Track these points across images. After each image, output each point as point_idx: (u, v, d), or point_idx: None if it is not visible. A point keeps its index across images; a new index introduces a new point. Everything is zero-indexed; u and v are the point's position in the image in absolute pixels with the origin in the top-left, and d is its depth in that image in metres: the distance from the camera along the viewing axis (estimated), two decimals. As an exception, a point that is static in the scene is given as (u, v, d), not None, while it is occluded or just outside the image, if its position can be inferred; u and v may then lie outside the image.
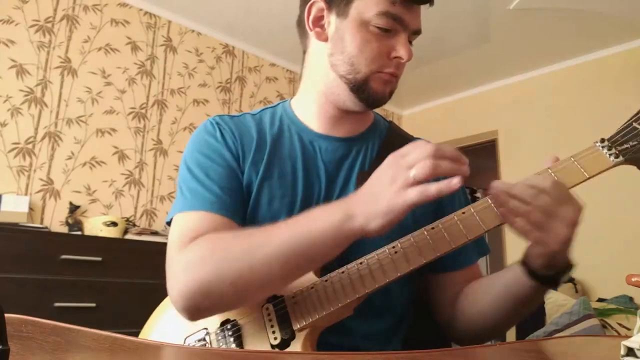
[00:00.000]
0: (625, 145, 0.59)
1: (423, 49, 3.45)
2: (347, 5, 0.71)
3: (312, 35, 0.76)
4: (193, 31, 3.17)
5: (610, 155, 0.59)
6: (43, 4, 2.52)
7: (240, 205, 0.72)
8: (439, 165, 0.53)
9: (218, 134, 0.76)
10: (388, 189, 0.55)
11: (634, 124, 0.60)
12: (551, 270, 0.61)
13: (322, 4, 0.74)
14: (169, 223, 0.74)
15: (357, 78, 0.72)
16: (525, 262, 0.63)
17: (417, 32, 0.73)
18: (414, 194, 0.53)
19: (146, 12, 2.96)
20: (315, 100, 0.79)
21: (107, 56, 2.75)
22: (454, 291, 0.76)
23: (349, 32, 0.71)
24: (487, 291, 0.71)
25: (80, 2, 2.67)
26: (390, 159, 0.58)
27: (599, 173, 0.59)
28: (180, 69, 3.08)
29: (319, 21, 0.75)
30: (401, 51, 0.70)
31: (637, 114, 0.60)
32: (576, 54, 3.47)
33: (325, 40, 0.75)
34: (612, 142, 0.60)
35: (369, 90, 0.72)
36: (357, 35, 0.71)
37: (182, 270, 0.61)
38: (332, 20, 0.74)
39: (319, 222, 0.58)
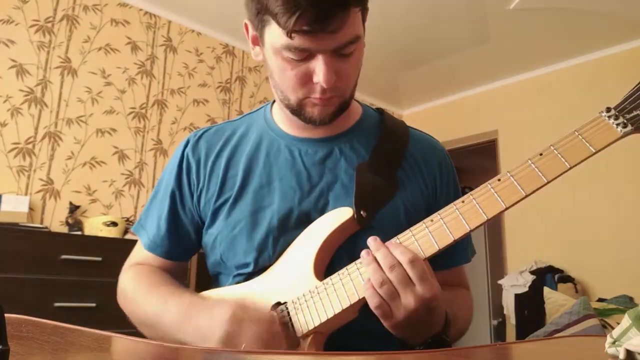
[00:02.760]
0: (635, 113, 0.54)
1: (423, 48, 3.46)
2: (261, 32, 0.67)
3: (252, 55, 0.75)
4: (193, 31, 3.17)
5: (617, 125, 0.54)
6: (43, 4, 2.52)
7: (177, 241, 0.81)
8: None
9: (184, 163, 0.81)
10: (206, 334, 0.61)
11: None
12: (417, 339, 0.62)
13: (251, 26, 0.71)
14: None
15: (290, 104, 0.70)
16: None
17: (345, 46, 0.63)
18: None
19: (146, 12, 2.96)
20: (284, 112, 0.77)
21: (107, 56, 2.75)
22: None
23: (269, 59, 0.68)
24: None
25: (80, 2, 2.67)
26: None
27: (607, 146, 0.54)
28: (180, 69, 3.08)
29: (256, 41, 0.72)
30: (319, 76, 0.63)
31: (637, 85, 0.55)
32: (575, 54, 3.47)
33: (263, 61, 0.73)
34: (620, 111, 0.55)
35: (306, 114, 0.70)
36: (274, 64, 0.67)
37: (119, 285, 0.83)
38: (259, 45, 0.71)
39: (183, 329, 0.64)
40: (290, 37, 0.60)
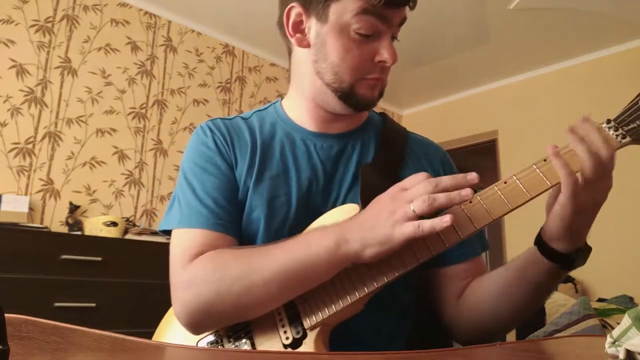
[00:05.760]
0: (632, 125, 0.58)
1: (423, 49, 3.46)
2: (325, 8, 0.68)
3: (293, 41, 0.75)
4: (193, 31, 3.17)
5: (617, 136, 0.58)
6: (43, 4, 2.52)
7: (236, 217, 0.72)
8: (436, 200, 0.56)
9: (211, 143, 0.76)
10: (387, 220, 0.57)
11: None
12: (570, 246, 0.62)
13: (300, 9, 0.71)
14: (164, 231, 0.75)
15: (342, 87, 0.71)
16: (540, 242, 0.63)
17: (402, 23, 0.72)
18: (410, 229, 0.56)
19: (146, 12, 2.96)
20: (305, 105, 0.78)
21: (107, 56, 2.75)
22: (459, 286, 0.75)
23: (330, 38, 0.69)
24: (496, 280, 0.70)
25: (80, 2, 2.67)
26: (392, 191, 0.60)
27: None
28: (180, 69, 3.08)
29: (298, 26, 0.73)
30: (385, 55, 0.69)
31: None
32: (576, 54, 3.47)
33: (308, 46, 0.73)
34: (619, 123, 0.59)
35: (356, 97, 0.72)
36: (338, 43, 0.68)
37: (184, 288, 0.64)
38: (312, 25, 0.71)
39: (314, 246, 0.60)
40: (373, 4, 0.65)
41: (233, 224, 0.72)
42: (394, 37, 0.72)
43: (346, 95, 0.72)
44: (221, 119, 0.81)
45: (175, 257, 0.69)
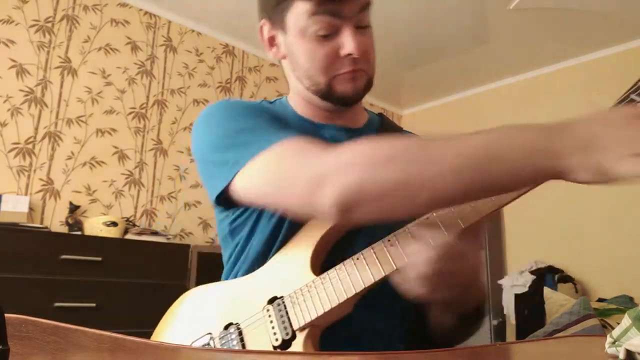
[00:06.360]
0: None
1: (423, 49, 3.46)
2: (283, 19, 0.70)
3: (271, 55, 0.77)
4: (193, 31, 3.17)
5: None
6: (43, 4, 2.52)
7: None
8: None
9: (250, 101, 0.77)
10: (620, 146, 0.44)
11: (632, 95, 0.53)
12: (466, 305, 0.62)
13: (268, 24, 0.73)
14: (218, 199, 0.66)
15: (320, 88, 0.72)
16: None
17: (366, 6, 0.68)
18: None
19: (146, 12, 2.96)
20: (303, 103, 0.80)
21: (107, 56, 2.75)
22: None
23: (295, 46, 0.70)
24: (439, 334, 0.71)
25: (80, 2, 2.67)
26: (628, 113, 0.46)
27: None
28: (180, 69, 3.08)
29: (272, 41, 0.75)
30: (348, 47, 0.67)
31: (634, 85, 0.53)
32: (576, 54, 3.47)
33: (284, 57, 0.75)
34: None
35: (336, 95, 0.72)
36: (303, 48, 0.69)
37: (337, 167, 0.52)
38: (280, 38, 0.73)
39: (517, 145, 0.47)
40: (316, 4, 0.64)
41: None
42: (362, 26, 0.69)
43: (326, 95, 0.72)
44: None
45: (286, 159, 0.58)
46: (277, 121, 0.70)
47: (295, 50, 0.71)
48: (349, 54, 0.68)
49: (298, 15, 0.67)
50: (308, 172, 0.54)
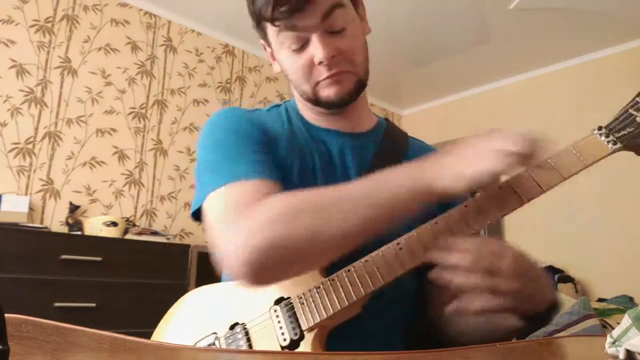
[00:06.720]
0: (623, 132, 0.60)
1: (423, 49, 3.46)
2: (267, 40, 0.75)
3: (276, 69, 0.81)
4: (193, 31, 3.17)
5: (608, 142, 0.60)
6: (43, 4, 2.52)
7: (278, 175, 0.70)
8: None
9: (245, 115, 0.78)
10: (481, 151, 0.56)
11: (630, 110, 0.61)
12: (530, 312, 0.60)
13: (265, 43, 0.79)
14: (195, 214, 0.71)
15: (308, 96, 0.75)
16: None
17: (330, 12, 0.68)
18: (500, 162, 0.53)
19: (146, 12, 2.96)
20: (306, 110, 0.82)
21: (107, 56, 2.75)
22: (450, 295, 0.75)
23: (280, 60, 0.75)
24: (472, 332, 0.70)
25: (80, 2, 2.67)
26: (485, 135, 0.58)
27: (598, 160, 0.60)
28: (180, 69, 3.08)
29: (272, 56, 0.80)
30: (317, 55, 0.69)
31: (632, 100, 0.61)
32: (576, 54, 3.47)
33: (282, 71, 0.79)
34: (610, 130, 0.60)
35: (322, 100, 0.75)
36: (285, 62, 0.74)
37: (251, 231, 0.57)
38: (274, 53, 0.77)
39: (395, 176, 0.59)
40: (276, 24, 0.68)
41: (279, 178, 0.69)
42: (335, 31, 0.70)
43: (315, 101, 0.76)
44: (243, 109, 0.83)
45: (220, 212, 0.63)
46: (261, 142, 0.72)
47: (281, 64, 0.76)
48: (321, 62, 0.70)
49: (271, 34, 0.72)
50: (230, 237, 0.59)
